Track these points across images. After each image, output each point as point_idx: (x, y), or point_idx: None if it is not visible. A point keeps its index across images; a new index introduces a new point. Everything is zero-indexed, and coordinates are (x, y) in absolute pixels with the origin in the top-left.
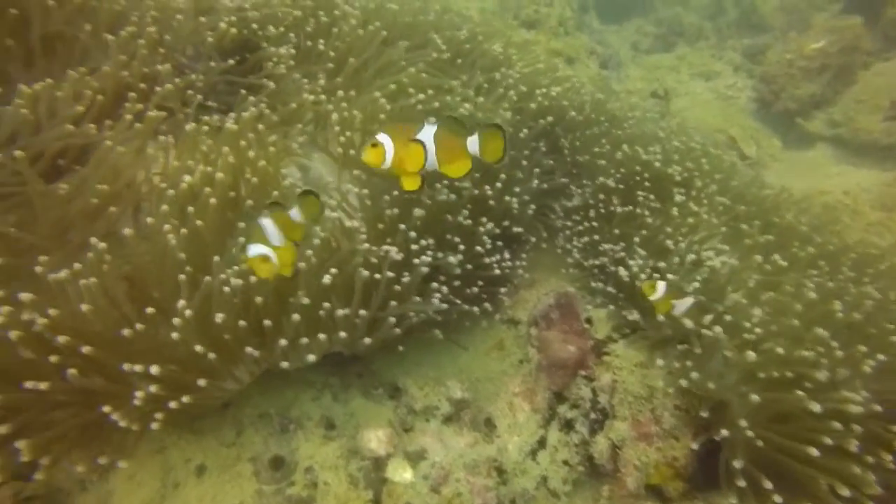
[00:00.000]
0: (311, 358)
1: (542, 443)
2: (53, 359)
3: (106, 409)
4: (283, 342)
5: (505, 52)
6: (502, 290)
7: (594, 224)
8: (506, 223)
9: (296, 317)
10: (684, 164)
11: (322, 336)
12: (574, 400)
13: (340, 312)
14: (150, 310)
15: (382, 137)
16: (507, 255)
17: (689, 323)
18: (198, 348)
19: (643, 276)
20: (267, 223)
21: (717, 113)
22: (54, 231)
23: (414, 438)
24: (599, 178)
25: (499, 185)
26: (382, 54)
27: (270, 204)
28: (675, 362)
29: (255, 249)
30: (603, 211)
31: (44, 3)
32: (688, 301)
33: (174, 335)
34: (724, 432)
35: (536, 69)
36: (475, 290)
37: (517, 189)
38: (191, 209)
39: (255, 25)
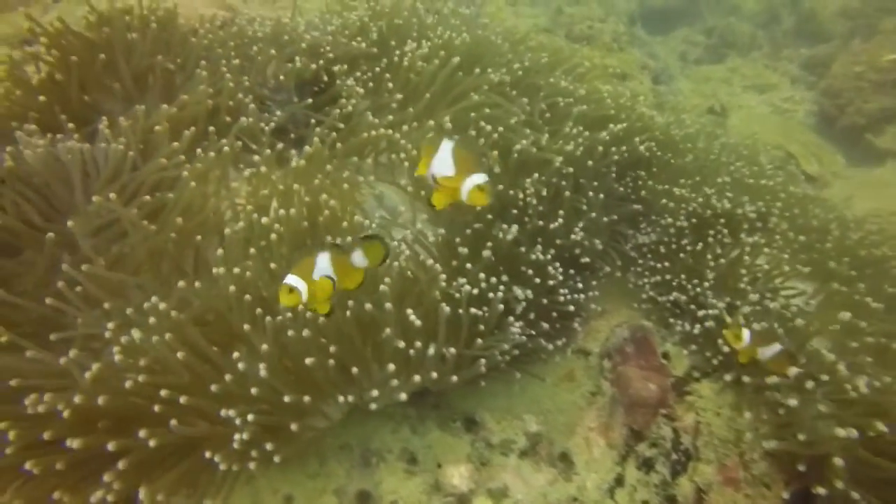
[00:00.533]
0: (403, 397)
1: (619, 480)
2: (157, 408)
3: (208, 454)
4: (374, 393)
5: (570, 83)
6: (576, 322)
7: (665, 264)
8: (577, 251)
9: (391, 367)
10: (757, 201)
11: (416, 377)
12: (653, 439)
13: (431, 351)
14: (236, 354)
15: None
16: (579, 285)
17: (772, 379)
18: (287, 399)
19: (727, 319)
20: (323, 260)
21: (775, 128)
22: (149, 262)
23: (494, 474)
24: (667, 216)
25: (560, 220)
26: (448, 85)
27: (332, 245)
28: (764, 413)
29: (287, 279)
30: (674, 247)
31: (125, 39)
32: (775, 347)
33: (254, 391)
34: (822, 490)
35: (601, 98)
36: (548, 324)
37: (581, 224)
38: (252, 250)
39: (330, 56)
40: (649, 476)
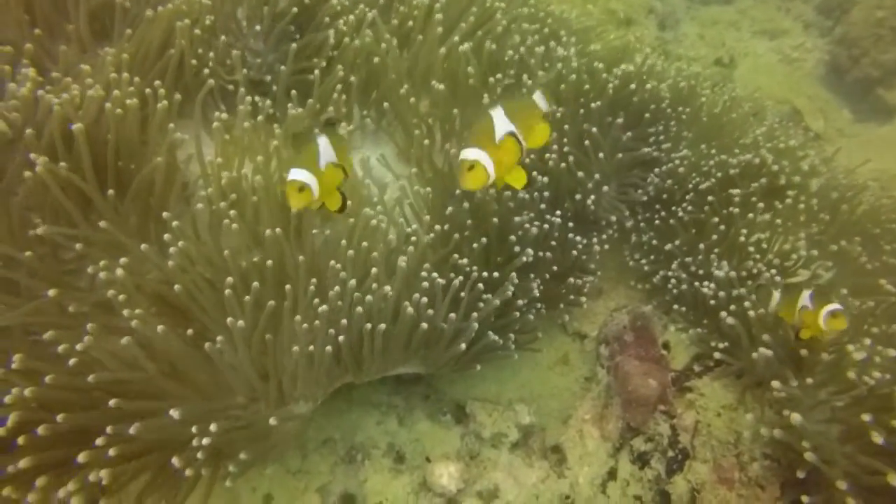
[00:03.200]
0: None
1: (612, 474)
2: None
3: (175, 461)
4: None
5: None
6: (587, 278)
7: (665, 232)
8: (577, 196)
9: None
10: (775, 165)
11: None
12: (650, 434)
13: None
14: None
15: (474, 153)
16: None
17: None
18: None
19: (775, 293)
20: (324, 142)
21: (782, 80)
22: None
23: (484, 473)
24: (671, 180)
25: (563, 165)
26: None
27: (326, 124)
28: (769, 409)
29: (296, 174)
30: (679, 215)
31: None
32: (834, 307)
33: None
34: (807, 498)
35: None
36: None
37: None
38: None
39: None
40: (643, 472)
